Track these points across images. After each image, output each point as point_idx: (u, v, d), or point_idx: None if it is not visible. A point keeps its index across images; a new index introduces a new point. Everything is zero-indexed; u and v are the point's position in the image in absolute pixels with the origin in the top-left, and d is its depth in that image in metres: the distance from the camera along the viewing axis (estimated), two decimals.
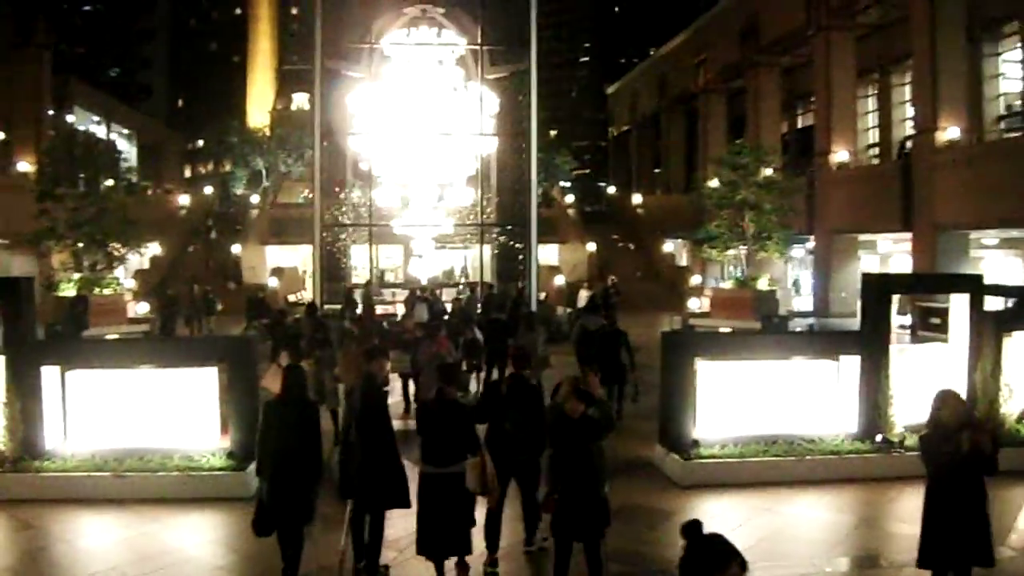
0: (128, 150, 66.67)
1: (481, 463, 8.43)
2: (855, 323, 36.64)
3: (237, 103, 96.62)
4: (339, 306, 27.72)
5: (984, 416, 12.86)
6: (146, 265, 45.44)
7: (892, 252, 43.69)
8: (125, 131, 67.42)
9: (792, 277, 42.25)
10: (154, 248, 46.16)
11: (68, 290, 30.93)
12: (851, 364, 13.09)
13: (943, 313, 31.49)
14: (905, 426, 12.86)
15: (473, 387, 17.40)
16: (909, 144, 41.76)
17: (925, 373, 13.12)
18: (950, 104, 33.13)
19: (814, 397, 12.89)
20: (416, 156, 29.14)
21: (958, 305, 14.00)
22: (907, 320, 34.46)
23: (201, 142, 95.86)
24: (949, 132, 32.72)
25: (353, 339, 14.15)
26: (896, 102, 44.49)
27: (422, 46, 28.85)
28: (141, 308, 33.42)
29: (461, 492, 8.39)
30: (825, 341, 14.61)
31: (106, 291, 31.66)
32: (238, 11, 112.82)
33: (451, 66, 29.45)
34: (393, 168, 29.86)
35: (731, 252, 35.58)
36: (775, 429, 12.66)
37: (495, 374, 17.67)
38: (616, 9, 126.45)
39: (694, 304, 36.48)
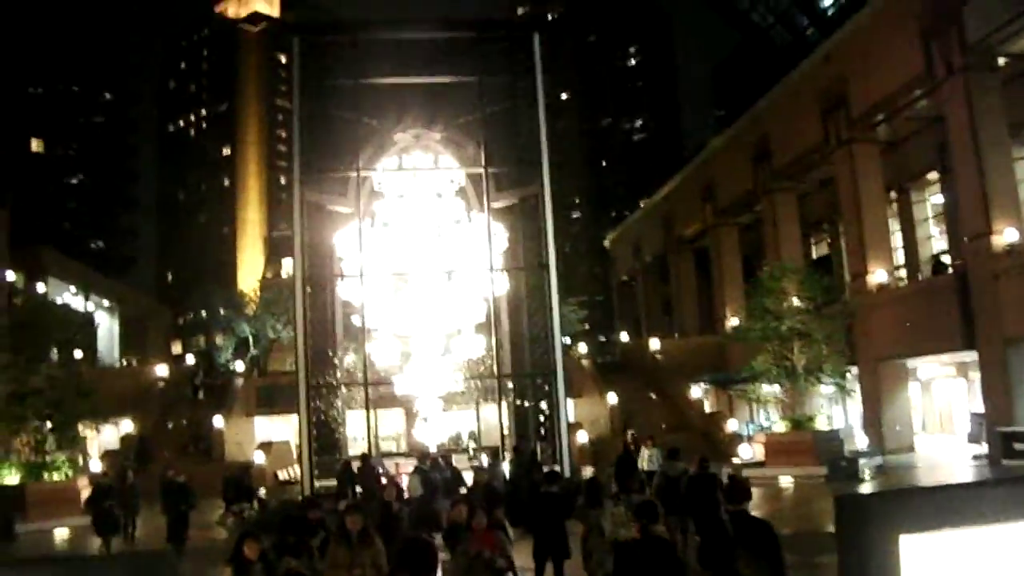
0: (110, 323, 63.67)
1: None
2: (915, 458, 33.30)
3: (227, 274, 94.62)
4: (333, 483, 23.53)
5: None
6: (116, 444, 41.27)
7: (935, 377, 40.23)
8: (106, 303, 64.05)
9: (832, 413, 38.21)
10: (127, 425, 42.09)
11: (7, 477, 26.98)
12: None
13: None
14: None
15: None
16: (945, 259, 38.98)
17: None
18: (1002, 206, 30.28)
19: None
20: (416, 303, 25.35)
21: None
22: (982, 449, 30.74)
23: (191, 314, 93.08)
24: (1007, 235, 29.62)
25: (346, 538, 9.61)
26: (919, 219, 41.73)
27: (416, 176, 25.23)
28: None
29: None
30: None
31: (56, 476, 27.51)
32: (226, 182, 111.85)
33: (451, 197, 25.91)
34: (390, 318, 25.95)
35: (776, 389, 31.53)
36: None
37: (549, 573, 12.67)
38: (603, 163, 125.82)
39: (745, 452, 32.17)
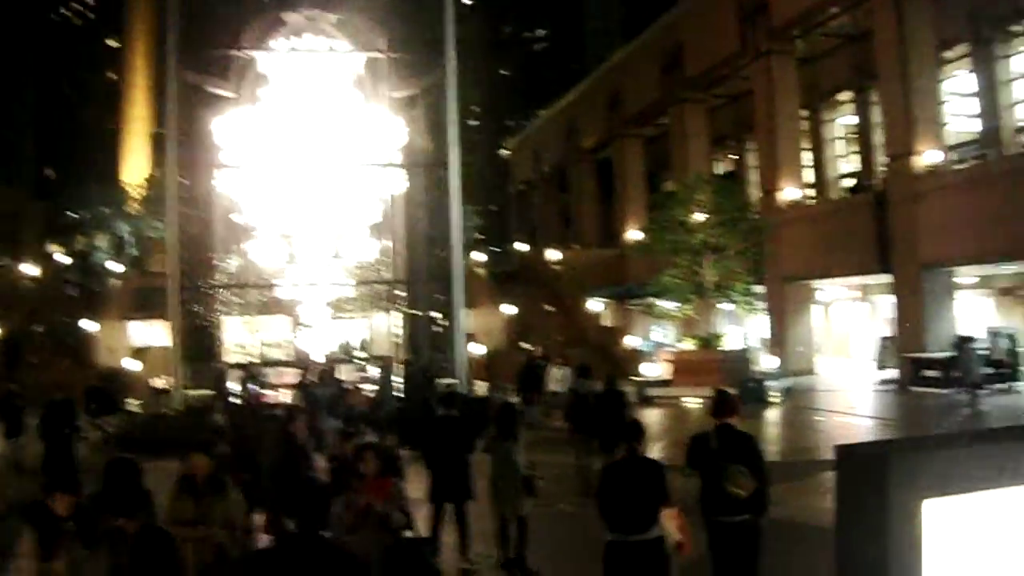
0: None
1: (679, 511, 7.63)
2: (819, 381, 32.49)
3: (111, 172, 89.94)
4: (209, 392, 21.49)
5: None
6: None
7: (836, 299, 39.59)
8: None
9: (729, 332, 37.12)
10: None
11: None
12: None
13: (940, 365, 27.04)
14: None
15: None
16: (847, 182, 38.38)
17: None
18: (925, 125, 29.44)
19: None
20: (303, 199, 23.13)
21: None
22: (890, 374, 30.02)
23: (71, 214, 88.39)
24: (930, 156, 28.58)
25: (190, 486, 7.49)
26: (828, 139, 40.78)
27: (307, 60, 22.78)
28: None
29: (659, 562, 7.46)
30: None
31: None
32: (113, 76, 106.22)
33: (345, 85, 23.54)
34: (274, 215, 23.70)
35: (680, 305, 30.22)
36: None
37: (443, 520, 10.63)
38: (502, 72, 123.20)
39: (649, 370, 30.79)
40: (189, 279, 24.49)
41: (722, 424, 8.32)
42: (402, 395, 21.12)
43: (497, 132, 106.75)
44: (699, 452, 8.38)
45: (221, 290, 25.63)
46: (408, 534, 8.15)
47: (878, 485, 4.66)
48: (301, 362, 23.87)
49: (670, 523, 7.55)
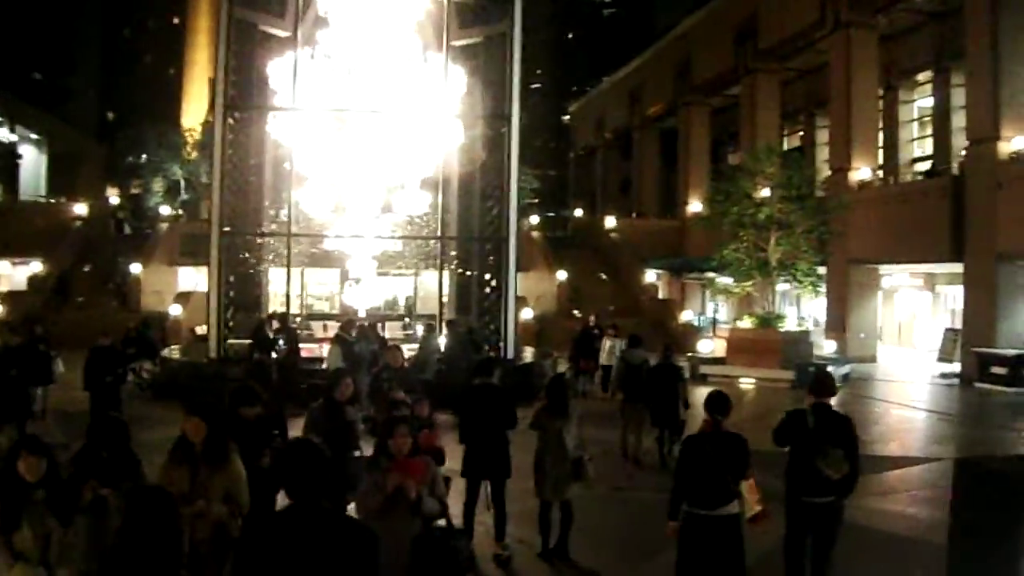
0: (37, 157, 59.92)
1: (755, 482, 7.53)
2: (879, 370, 31.21)
3: (171, 117, 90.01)
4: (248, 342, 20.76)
5: None
6: (22, 286, 38.15)
7: (899, 287, 38.16)
8: (34, 136, 59.88)
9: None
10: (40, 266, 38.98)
11: None
12: None
13: (1010, 362, 25.69)
14: None
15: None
16: (924, 165, 36.73)
17: None
18: (1012, 110, 27.81)
19: None
20: (356, 148, 22.27)
21: None
22: (952, 368, 28.69)
23: (129, 157, 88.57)
24: (1015, 142, 27.10)
25: (187, 455, 6.53)
26: (904, 120, 39.24)
27: (369, 2, 21.81)
28: None
29: (734, 538, 7.35)
30: None
31: None
32: (176, 21, 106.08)
33: (406, 31, 22.55)
34: (327, 164, 22.85)
35: (745, 284, 29.06)
36: None
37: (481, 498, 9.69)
38: (568, 35, 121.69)
39: (704, 347, 29.74)
40: (236, 226, 23.67)
41: (819, 403, 8.25)
42: (443, 357, 20.23)
43: (560, 95, 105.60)
44: (793, 429, 8.23)
45: (269, 239, 24.80)
46: (441, 523, 7.27)
47: (1001, 505, 3.92)
48: (344, 316, 23.04)
49: (750, 495, 7.58)
